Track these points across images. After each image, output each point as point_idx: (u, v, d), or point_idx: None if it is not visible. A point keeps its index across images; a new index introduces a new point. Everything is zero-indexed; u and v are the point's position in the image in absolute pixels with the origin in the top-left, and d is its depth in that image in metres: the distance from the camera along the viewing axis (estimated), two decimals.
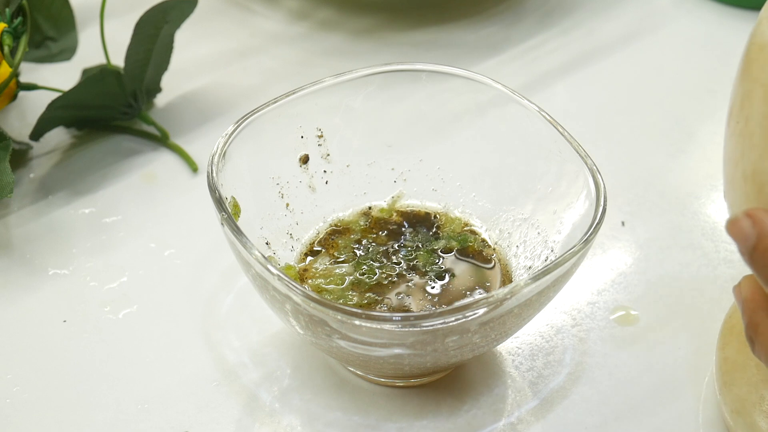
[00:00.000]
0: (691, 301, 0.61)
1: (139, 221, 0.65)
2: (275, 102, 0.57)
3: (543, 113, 0.57)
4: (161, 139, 0.70)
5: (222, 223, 0.52)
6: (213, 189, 0.53)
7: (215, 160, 0.54)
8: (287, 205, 0.59)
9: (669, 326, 0.59)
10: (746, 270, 0.62)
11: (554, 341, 0.58)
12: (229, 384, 0.56)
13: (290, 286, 0.49)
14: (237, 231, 0.51)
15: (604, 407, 0.55)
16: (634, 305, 0.60)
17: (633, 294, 0.61)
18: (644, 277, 0.62)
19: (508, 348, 0.58)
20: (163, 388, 0.56)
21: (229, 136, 0.55)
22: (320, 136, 0.60)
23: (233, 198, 0.55)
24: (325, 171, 0.60)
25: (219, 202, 0.52)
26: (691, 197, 0.67)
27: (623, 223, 0.65)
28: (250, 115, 0.56)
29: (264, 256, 0.50)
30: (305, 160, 0.60)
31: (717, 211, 0.66)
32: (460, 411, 0.55)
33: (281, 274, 0.49)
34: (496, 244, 0.59)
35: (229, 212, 0.52)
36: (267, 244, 0.57)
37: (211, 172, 0.53)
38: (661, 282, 0.62)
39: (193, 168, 0.68)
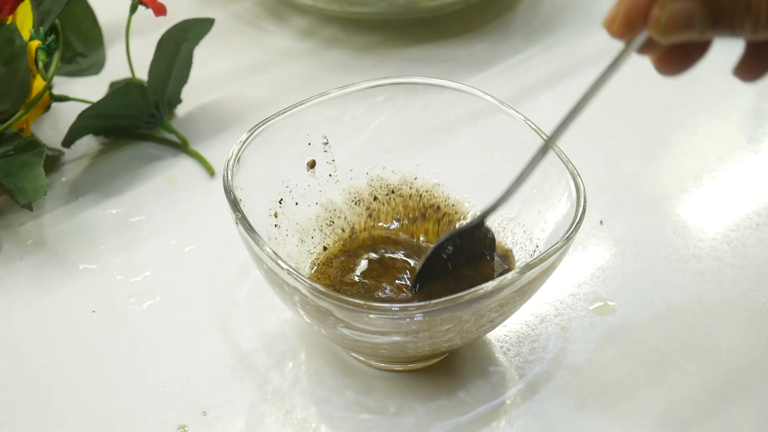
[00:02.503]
0: (663, 292, 0.60)
1: (162, 221, 0.65)
2: (285, 112, 0.57)
3: (528, 122, 0.57)
4: (181, 146, 0.70)
5: (236, 223, 0.52)
6: (228, 191, 0.53)
7: (230, 165, 0.54)
8: (296, 204, 0.59)
9: (643, 315, 0.59)
10: (715, 267, 0.62)
11: (539, 329, 0.58)
12: (243, 368, 0.56)
13: (299, 279, 0.49)
14: (250, 229, 0.51)
15: (584, 390, 0.55)
16: (612, 296, 0.60)
17: (610, 286, 0.61)
18: (621, 271, 0.62)
19: (496, 336, 0.58)
20: (182, 372, 0.56)
21: (243, 143, 0.55)
22: (326, 143, 0.60)
23: None
24: (330, 175, 0.60)
25: (233, 203, 0.52)
26: (663, 198, 0.67)
27: (601, 222, 0.65)
28: (262, 124, 0.56)
29: (275, 252, 0.50)
30: (312, 165, 0.60)
31: (687, 211, 0.66)
32: (454, 393, 0.55)
33: (290, 269, 0.49)
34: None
35: (242, 212, 0.52)
36: (276, 239, 0.57)
37: (227, 176, 0.53)
38: (635, 275, 0.62)
39: (211, 172, 0.68)
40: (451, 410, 0.54)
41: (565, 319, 0.59)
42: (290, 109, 0.57)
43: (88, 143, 0.71)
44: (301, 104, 0.58)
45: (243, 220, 0.51)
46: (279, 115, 0.57)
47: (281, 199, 0.58)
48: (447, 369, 0.56)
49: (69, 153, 0.70)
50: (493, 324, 0.52)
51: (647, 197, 0.67)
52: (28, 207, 0.63)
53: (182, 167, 0.69)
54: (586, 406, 0.54)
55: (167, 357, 0.57)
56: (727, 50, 0.81)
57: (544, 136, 0.56)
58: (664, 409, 0.54)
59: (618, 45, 0.46)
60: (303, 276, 0.49)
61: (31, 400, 0.55)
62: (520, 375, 0.56)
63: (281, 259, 0.49)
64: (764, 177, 0.69)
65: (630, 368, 0.56)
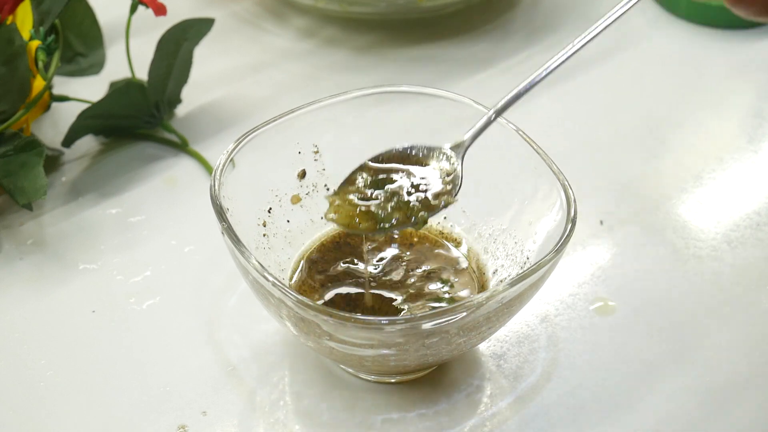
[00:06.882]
0: (663, 292, 0.61)
1: (161, 220, 0.65)
2: (274, 120, 0.57)
3: (520, 132, 0.56)
4: (181, 146, 0.70)
5: (222, 233, 0.51)
6: (214, 200, 0.52)
7: (217, 174, 0.53)
8: (285, 213, 0.59)
9: (644, 316, 0.59)
10: (715, 267, 0.62)
11: (539, 329, 0.58)
12: (243, 368, 0.56)
13: (284, 291, 0.48)
14: (236, 240, 0.51)
15: (585, 390, 0.55)
16: (612, 297, 0.60)
17: (611, 286, 0.61)
18: (621, 271, 0.62)
19: (496, 335, 0.58)
20: (183, 372, 0.56)
21: (230, 153, 0.55)
22: (316, 152, 0.59)
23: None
24: (326, 185, 0.59)
25: (219, 213, 0.52)
26: (663, 198, 0.67)
27: (602, 222, 0.65)
28: (251, 133, 0.56)
29: (260, 264, 0.50)
30: (303, 175, 0.59)
31: (687, 211, 0.66)
32: (451, 399, 0.55)
33: (276, 280, 0.49)
34: (476, 252, 0.58)
35: (228, 222, 0.51)
36: (269, 248, 0.57)
37: (213, 186, 0.53)
38: (636, 275, 0.62)
39: (210, 172, 0.68)
40: (447, 417, 0.54)
41: (565, 319, 0.59)
42: (279, 118, 0.57)
43: (88, 143, 0.71)
44: (291, 113, 0.57)
45: (229, 230, 0.51)
46: (268, 123, 0.57)
47: (270, 208, 0.58)
48: (443, 374, 0.56)
49: (69, 153, 0.70)
50: (482, 336, 0.52)
51: (647, 197, 0.67)
52: (28, 207, 0.63)
53: (182, 167, 0.69)
54: (586, 407, 0.55)
55: (167, 357, 0.57)
56: (728, 50, 0.81)
57: (535, 146, 0.55)
58: (665, 410, 0.54)
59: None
60: (289, 288, 0.48)
61: (31, 400, 0.55)
62: (519, 376, 0.56)
63: (267, 271, 0.49)
64: (764, 177, 0.69)
65: (630, 368, 0.56)
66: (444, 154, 0.55)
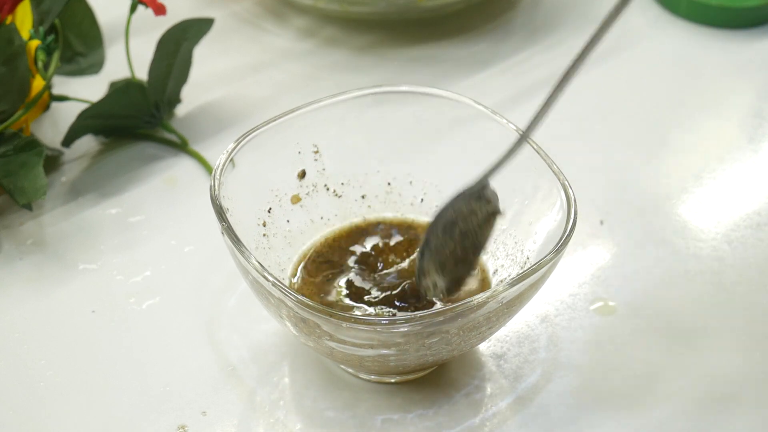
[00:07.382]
0: (663, 293, 0.61)
1: (161, 220, 0.65)
2: (274, 120, 0.57)
3: (520, 131, 0.56)
4: (181, 146, 0.70)
5: (222, 233, 0.52)
6: (214, 200, 0.52)
7: (217, 174, 0.53)
8: (285, 212, 0.59)
9: (643, 316, 0.59)
10: (716, 267, 0.62)
11: (539, 329, 0.58)
12: (243, 368, 0.56)
13: (284, 291, 0.48)
14: (236, 240, 0.51)
15: (585, 390, 0.55)
16: (612, 297, 0.60)
17: (611, 286, 0.61)
18: (621, 271, 0.62)
19: (496, 336, 0.58)
20: (183, 372, 0.56)
21: (230, 153, 0.55)
22: (316, 152, 0.59)
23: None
24: (325, 185, 0.60)
25: (219, 213, 0.52)
26: (663, 198, 0.67)
27: (602, 222, 0.65)
28: (251, 133, 0.56)
29: (260, 264, 0.50)
30: (302, 175, 0.59)
31: (687, 211, 0.66)
32: (451, 399, 0.55)
33: (276, 280, 0.49)
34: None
35: (228, 222, 0.51)
36: (269, 248, 0.57)
37: (214, 186, 0.53)
38: (636, 275, 0.62)
39: (210, 172, 0.68)
40: (448, 417, 0.54)
41: (565, 319, 0.59)
42: (279, 118, 0.57)
43: (87, 143, 0.71)
44: (291, 112, 0.57)
45: (228, 230, 0.51)
46: (268, 123, 0.57)
47: (270, 208, 0.58)
48: (442, 375, 0.56)
49: (69, 153, 0.70)
50: (482, 336, 0.52)
51: (647, 197, 0.67)
52: (28, 207, 0.63)
53: (182, 167, 0.69)
54: (587, 408, 0.55)
55: (167, 357, 0.57)
56: (728, 50, 0.81)
57: (535, 146, 0.55)
58: (665, 410, 0.54)
59: None
60: (289, 289, 0.49)
61: (31, 400, 0.55)
62: (519, 376, 0.56)
63: (267, 271, 0.49)
64: (764, 177, 0.69)
65: (630, 368, 0.56)
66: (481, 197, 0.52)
